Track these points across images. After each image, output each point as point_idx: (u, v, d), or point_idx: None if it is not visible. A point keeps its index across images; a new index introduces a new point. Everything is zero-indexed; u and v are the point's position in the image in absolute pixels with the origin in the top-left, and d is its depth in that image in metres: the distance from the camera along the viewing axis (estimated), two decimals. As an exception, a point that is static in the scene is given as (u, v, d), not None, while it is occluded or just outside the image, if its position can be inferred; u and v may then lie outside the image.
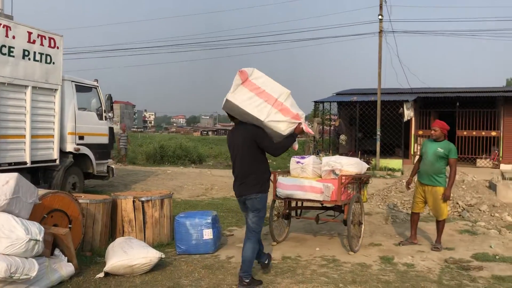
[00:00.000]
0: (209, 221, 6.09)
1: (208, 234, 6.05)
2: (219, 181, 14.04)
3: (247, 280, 4.67)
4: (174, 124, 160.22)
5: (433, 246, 6.48)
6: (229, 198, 11.47)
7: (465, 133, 21.14)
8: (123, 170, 15.71)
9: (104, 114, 10.64)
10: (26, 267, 4.19)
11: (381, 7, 19.49)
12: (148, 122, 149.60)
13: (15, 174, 4.53)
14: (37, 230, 4.40)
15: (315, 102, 22.20)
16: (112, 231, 6.39)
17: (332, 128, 22.83)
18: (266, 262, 5.21)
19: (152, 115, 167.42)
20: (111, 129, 11.00)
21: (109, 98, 10.76)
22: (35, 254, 4.39)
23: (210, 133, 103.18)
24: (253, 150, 4.71)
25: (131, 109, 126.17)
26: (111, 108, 10.85)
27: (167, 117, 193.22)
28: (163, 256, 5.26)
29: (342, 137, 19.48)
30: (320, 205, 6.91)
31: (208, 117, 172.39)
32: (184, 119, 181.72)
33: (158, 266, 5.24)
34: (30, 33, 8.19)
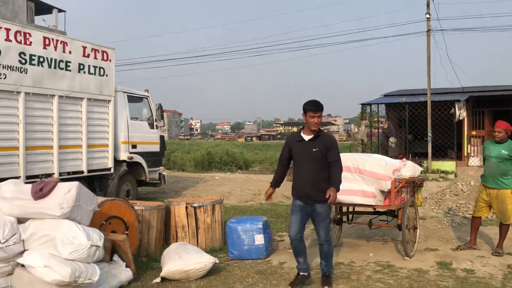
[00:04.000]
0: (260, 226, 6.13)
1: (259, 239, 6.08)
2: (266, 186, 13.93)
3: None
4: (219, 131, 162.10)
5: (494, 251, 6.20)
6: (277, 203, 11.47)
7: (524, 132, 20.11)
8: (173, 177, 16.06)
9: (155, 123, 10.94)
10: (89, 272, 4.36)
11: (428, 6, 18.94)
12: (194, 129, 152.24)
13: (76, 183, 4.74)
14: (97, 237, 4.57)
15: (362, 104, 21.84)
16: (166, 237, 6.55)
17: (380, 130, 22.37)
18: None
19: (198, 122, 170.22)
20: (162, 137, 11.29)
21: (159, 107, 11.06)
22: (96, 260, 4.56)
23: (254, 139, 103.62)
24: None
25: (178, 117, 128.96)
26: (162, 117, 11.13)
27: (212, 124, 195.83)
28: (217, 261, 5.34)
29: (392, 139, 19.01)
30: (372, 210, 6.79)
31: (252, 123, 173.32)
32: (228, 126, 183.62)
33: (212, 271, 5.31)
34: (84, 48, 8.57)
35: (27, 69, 7.40)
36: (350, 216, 7.16)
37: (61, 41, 8.04)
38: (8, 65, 7.09)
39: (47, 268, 4.23)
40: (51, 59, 7.83)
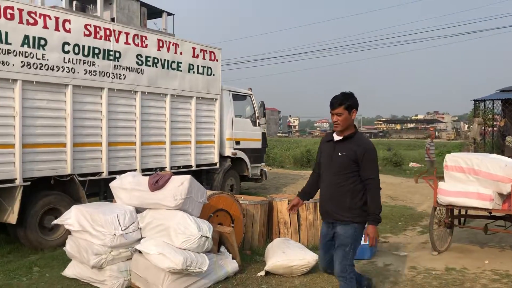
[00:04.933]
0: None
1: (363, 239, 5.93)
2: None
3: None
4: (318, 128, 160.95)
5: None
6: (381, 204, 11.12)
7: None
8: (273, 174, 16.30)
9: (257, 121, 11.18)
10: (199, 261, 4.59)
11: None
12: (292, 127, 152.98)
13: (188, 176, 5.01)
14: (207, 228, 4.80)
15: (475, 100, 20.30)
16: (269, 232, 6.67)
17: (495, 128, 20.61)
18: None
19: (296, 120, 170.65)
20: (263, 134, 11.51)
21: (262, 105, 11.28)
22: (205, 250, 4.79)
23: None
24: None
25: (277, 114, 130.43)
26: (264, 115, 11.34)
27: (310, 121, 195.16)
28: (320, 259, 5.31)
29: (509, 138, 17.38)
30: (487, 214, 6.30)
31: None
32: (327, 123, 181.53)
33: (315, 268, 5.29)
34: (194, 49, 9.02)
35: (143, 70, 7.98)
36: (462, 219, 6.71)
37: (173, 43, 8.55)
38: (127, 67, 7.70)
39: (162, 255, 4.53)
40: (164, 60, 8.36)
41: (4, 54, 6.03)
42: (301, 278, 5.10)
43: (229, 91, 10.40)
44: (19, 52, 6.20)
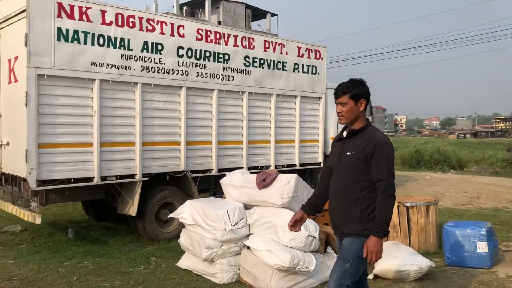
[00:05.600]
0: (484, 233, 5.54)
1: (482, 247, 5.51)
2: (485, 189, 12.65)
3: None
4: (427, 127, 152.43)
5: None
6: (500, 209, 10.23)
7: None
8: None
9: (363, 119, 10.88)
10: (306, 261, 4.60)
11: None
12: (399, 125, 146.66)
13: (295, 175, 5.04)
14: (313, 227, 4.78)
15: None
16: (376, 234, 6.45)
17: None
18: None
19: (403, 118, 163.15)
20: (369, 133, 11.17)
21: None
22: (311, 250, 4.78)
23: (468, 136, 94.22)
24: None
25: (382, 113, 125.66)
26: (370, 113, 11.01)
27: (419, 120, 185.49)
28: (434, 265, 5.04)
29: None
30: None
31: (465, 118, 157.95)
32: (437, 121, 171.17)
33: (427, 275, 5.04)
34: (299, 48, 9.04)
35: (250, 71, 8.19)
36: None
37: (279, 43, 8.65)
38: (235, 68, 7.96)
39: (269, 252, 4.61)
40: (270, 60, 8.50)
41: (127, 59, 6.58)
42: (412, 284, 4.87)
43: (334, 89, 10.24)
44: (139, 57, 6.72)
